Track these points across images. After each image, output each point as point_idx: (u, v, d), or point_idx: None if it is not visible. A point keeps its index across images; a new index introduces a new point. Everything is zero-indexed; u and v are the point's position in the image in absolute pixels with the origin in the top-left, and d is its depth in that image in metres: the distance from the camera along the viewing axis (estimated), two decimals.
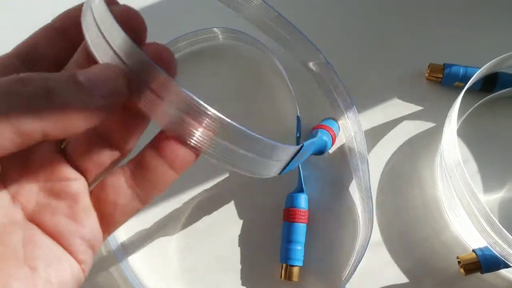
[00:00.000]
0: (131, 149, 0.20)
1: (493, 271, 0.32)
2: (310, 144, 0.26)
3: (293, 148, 0.20)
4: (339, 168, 0.37)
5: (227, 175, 0.37)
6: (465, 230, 0.34)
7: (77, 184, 0.19)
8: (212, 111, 0.17)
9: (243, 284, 0.35)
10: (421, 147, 0.37)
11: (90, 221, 0.19)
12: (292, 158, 0.21)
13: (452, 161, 0.31)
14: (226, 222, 0.36)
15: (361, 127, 0.35)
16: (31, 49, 0.20)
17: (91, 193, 0.19)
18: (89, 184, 0.19)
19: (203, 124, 0.17)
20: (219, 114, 0.17)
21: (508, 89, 0.36)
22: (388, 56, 0.39)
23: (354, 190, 0.36)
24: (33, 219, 0.18)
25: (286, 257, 0.33)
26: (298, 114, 0.36)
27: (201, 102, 0.16)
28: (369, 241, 0.33)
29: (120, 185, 0.19)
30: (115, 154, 0.19)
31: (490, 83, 0.36)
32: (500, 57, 0.34)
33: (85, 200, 0.19)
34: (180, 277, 0.35)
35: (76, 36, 0.19)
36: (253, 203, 0.36)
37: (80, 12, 0.19)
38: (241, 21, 0.36)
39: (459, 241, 0.35)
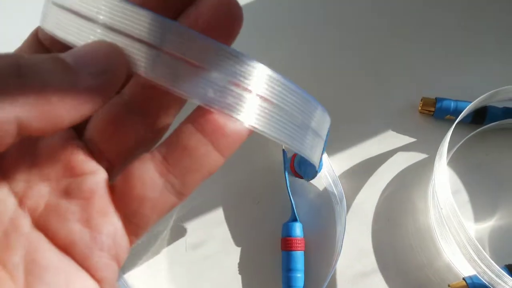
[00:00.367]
0: (168, 127, 0.16)
1: None
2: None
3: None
4: (327, 196, 0.38)
5: (222, 200, 0.38)
6: (457, 258, 0.36)
7: (95, 178, 0.15)
8: (267, 70, 0.14)
9: None
10: (414, 177, 0.38)
11: (111, 225, 0.15)
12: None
13: (443, 193, 0.33)
14: (226, 248, 0.37)
15: (334, 171, 0.36)
16: None
17: (113, 187, 0.15)
18: (113, 176, 0.16)
19: (255, 89, 0.13)
20: (276, 74, 0.14)
21: (497, 122, 0.38)
22: (383, 90, 0.41)
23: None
24: (41, 226, 0.15)
25: (287, 285, 0.35)
26: (284, 148, 0.37)
27: (251, 59, 0.13)
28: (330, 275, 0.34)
29: (148, 173, 0.15)
30: (148, 133, 0.16)
31: (480, 116, 0.38)
32: (489, 92, 0.35)
33: (103, 199, 0.15)
34: None
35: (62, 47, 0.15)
36: (250, 231, 0.38)
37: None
38: None
39: (452, 268, 0.36)
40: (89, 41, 0.14)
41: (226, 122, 0.14)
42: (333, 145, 0.39)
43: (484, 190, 0.38)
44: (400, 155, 0.39)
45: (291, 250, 0.34)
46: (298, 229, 0.35)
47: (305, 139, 0.15)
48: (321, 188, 0.38)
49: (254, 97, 0.14)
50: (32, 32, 0.17)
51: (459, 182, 0.38)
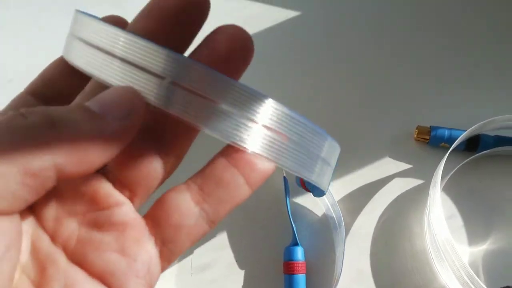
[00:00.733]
0: (183, 155, 0.17)
1: None
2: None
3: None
4: (326, 221, 0.40)
5: (226, 225, 0.40)
6: (452, 282, 0.37)
7: (123, 209, 0.16)
8: (283, 108, 0.15)
9: None
10: (411, 202, 0.40)
11: (146, 253, 0.16)
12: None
13: (437, 220, 0.34)
14: (230, 271, 0.39)
15: (333, 196, 0.38)
16: (47, 86, 0.19)
17: (146, 215, 0.16)
18: (137, 205, 0.17)
19: (274, 126, 0.15)
20: (291, 111, 0.15)
21: (489, 150, 0.39)
22: (381, 119, 0.43)
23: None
24: (76, 260, 0.16)
25: None
26: (285, 175, 0.39)
27: (268, 97, 0.14)
28: None
29: (185, 202, 0.16)
30: (167, 162, 0.17)
31: (473, 144, 0.40)
32: (482, 122, 0.37)
33: (136, 228, 0.16)
34: None
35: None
36: (254, 255, 0.39)
37: None
38: None
39: None
40: (108, 72, 0.15)
41: (257, 159, 0.15)
42: (333, 171, 0.40)
43: (477, 215, 0.39)
44: (396, 181, 0.41)
45: (293, 274, 0.36)
46: (299, 253, 0.37)
47: (314, 168, 0.16)
48: (320, 213, 0.40)
49: (273, 135, 0.15)
50: (23, 91, 0.18)
51: (453, 207, 0.40)
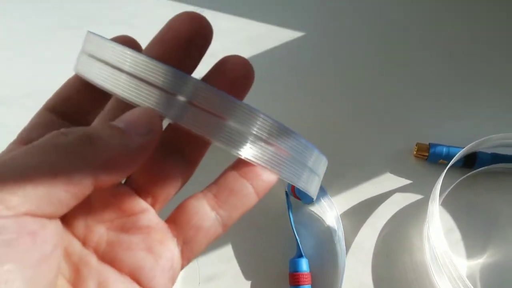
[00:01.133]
0: (197, 165, 0.20)
1: None
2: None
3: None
4: (329, 233, 0.41)
5: (232, 237, 0.41)
6: None
7: (147, 216, 0.18)
8: (281, 126, 0.17)
9: None
10: (411, 216, 0.41)
11: (169, 251, 0.18)
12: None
13: (436, 234, 0.36)
14: (236, 282, 0.40)
15: (337, 212, 0.40)
16: (64, 103, 0.20)
17: (168, 219, 0.19)
18: (157, 210, 0.19)
19: (276, 142, 0.17)
20: (287, 128, 0.17)
21: (486, 167, 0.41)
22: (382, 136, 0.45)
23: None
24: (107, 259, 0.17)
25: None
26: (286, 190, 0.40)
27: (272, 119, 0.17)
28: None
29: (203, 207, 0.18)
30: (184, 172, 0.19)
31: (470, 161, 0.41)
32: (479, 140, 0.39)
33: (160, 231, 0.18)
34: None
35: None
36: (259, 266, 0.40)
37: None
38: None
39: None
40: (134, 94, 0.17)
41: (262, 170, 0.18)
42: (335, 187, 0.42)
43: (475, 229, 0.41)
44: (397, 196, 0.42)
45: (299, 285, 0.37)
46: (304, 265, 0.38)
47: (302, 175, 0.19)
48: (324, 225, 0.42)
49: (273, 148, 0.17)
50: (43, 107, 0.20)
51: (452, 222, 0.41)
